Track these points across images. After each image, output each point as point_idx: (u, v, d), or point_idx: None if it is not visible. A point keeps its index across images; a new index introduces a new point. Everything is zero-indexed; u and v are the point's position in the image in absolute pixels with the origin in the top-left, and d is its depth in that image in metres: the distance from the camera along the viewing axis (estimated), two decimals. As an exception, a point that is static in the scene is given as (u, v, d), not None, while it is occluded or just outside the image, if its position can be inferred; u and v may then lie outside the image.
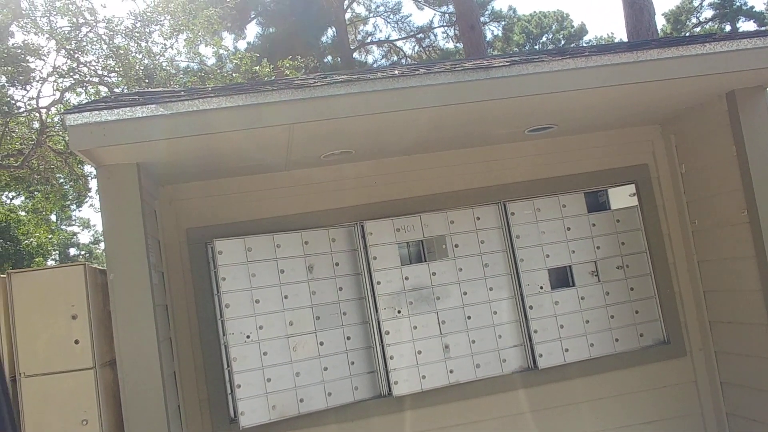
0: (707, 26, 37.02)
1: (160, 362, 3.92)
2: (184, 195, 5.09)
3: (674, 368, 5.48)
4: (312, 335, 5.06)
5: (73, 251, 40.79)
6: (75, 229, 40.18)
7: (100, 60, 16.90)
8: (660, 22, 34.51)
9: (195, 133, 3.77)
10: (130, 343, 3.90)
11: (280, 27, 29.54)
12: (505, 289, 5.39)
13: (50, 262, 28.11)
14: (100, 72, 16.94)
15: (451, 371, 5.21)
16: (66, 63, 16.73)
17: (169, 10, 17.21)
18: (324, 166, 5.22)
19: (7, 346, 3.97)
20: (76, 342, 3.99)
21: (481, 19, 30.14)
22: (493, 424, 5.21)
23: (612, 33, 56.36)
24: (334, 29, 31.46)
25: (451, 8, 28.57)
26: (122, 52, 16.35)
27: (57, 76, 16.68)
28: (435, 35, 33.86)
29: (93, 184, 20.69)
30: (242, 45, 32.10)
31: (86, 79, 16.93)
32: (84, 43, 16.62)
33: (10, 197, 22.94)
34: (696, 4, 37.64)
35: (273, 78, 16.14)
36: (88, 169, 18.99)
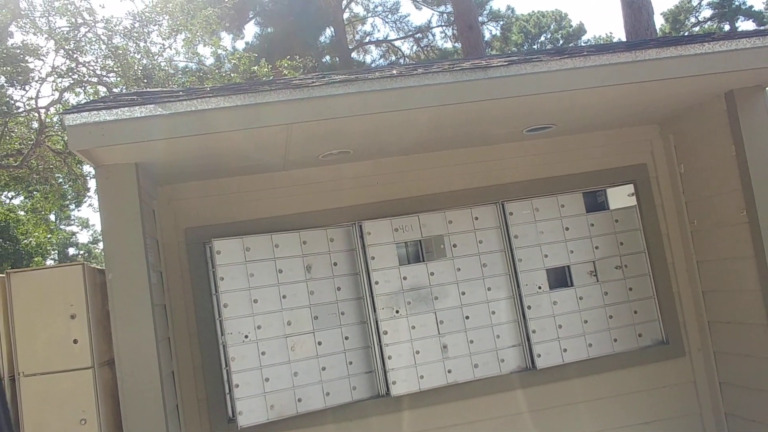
0: (706, 26, 37.05)
1: (159, 362, 3.92)
2: (183, 195, 5.09)
3: (673, 368, 5.48)
4: (310, 335, 5.06)
5: (72, 251, 40.83)
6: (74, 228, 40.28)
7: (99, 60, 16.90)
8: (659, 22, 34.56)
9: (193, 133, 3.77)
10: (129, 343, 3.90)
11: (279, 27, 29.54)
12: (503, 289, 5.39)
13: (49, 262, 28.11)
14: (98, 72, 16.94)
15: (450, 371, 5.21)
16: (65, 63, 16.73)
17: (167, 10, 17.20)
18: (322, 166, 5.22)
19: (6, 345, 3.97)
20: (75, 341, 3.99)
21: (480, 18, 30.14)
22: (491, 424, 5.21)
23: (610, 33, 56.45)
24: (332, 29, 31.48)
25: (450, 8, 28.60)
26: (121, 52, 16.34)
27: (56, 76, 16.67)
28: (433, 35, 33.93)
29: (92, 183, 20.68)
30: (240, 45, 32.15)
31: (85, 79, 16.92)
32: (83, 44, 16.61)
33: (10, 197, 22.93)
34: (695, 3, 37.66)
35: (271, 78, 16.14)
36: (87, 168, 18.98)
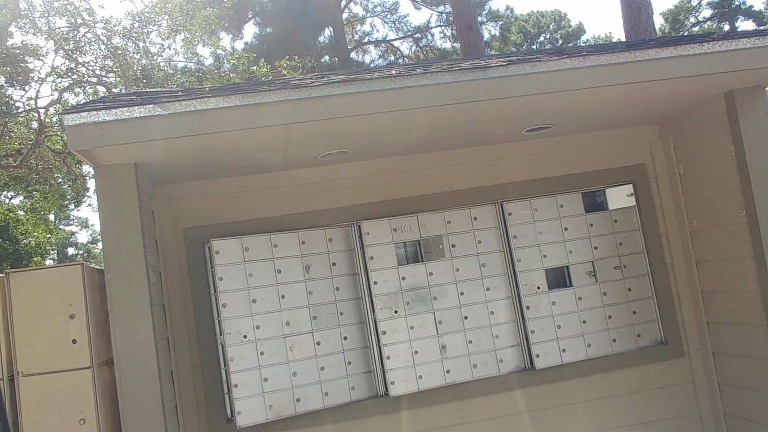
0: (706, 25, 37.05)
1: (158, 362, 3.92)
2: (182, 195, 5.09)
3: (672, 369, 5.48)
4: (309, 335, 5.06)
5: (71, 251, 40.77)
6: (73, 228, 40.23)
7: (98, 60, 16.91)
8: (658, 22, 34.51)
9: (192, 133, 3.77)
10: (128, 343, 3.90)
11: (278, 27, 29.55)
12: (502, 289, 5.39)
13: (48, 262, 28.09)
14: (98, 72, 16.95)
15: (448, 371, 5.21)
16: (64, 63, 16.74)
17: (166, 11, 17.21)
18: (321, 166, 5.22)
19: (5, 345, 3.98)
20: (74, 341, 3.99)
21: (479, 18, 30.16)
22: (489, 424, 5.21)
23: (610, 32, 56.37)
24: (331, 29, 31.48)
25: (449, 8, 28.60)
26: (120, 52, 16.35)
27: (55, 76, 16.68)
28: (432, 35, 33.93)
29: (91, 183, 20.68)
30: (240, 45, 32.06)
31: (84, 80, 16.93)
32: (82, 44, 16.62)
33: (9, 197, 22.94)
34: (694, 3, 37.67)
35: (270, 78, 16.14)
36: (87, 168, 18.98)
